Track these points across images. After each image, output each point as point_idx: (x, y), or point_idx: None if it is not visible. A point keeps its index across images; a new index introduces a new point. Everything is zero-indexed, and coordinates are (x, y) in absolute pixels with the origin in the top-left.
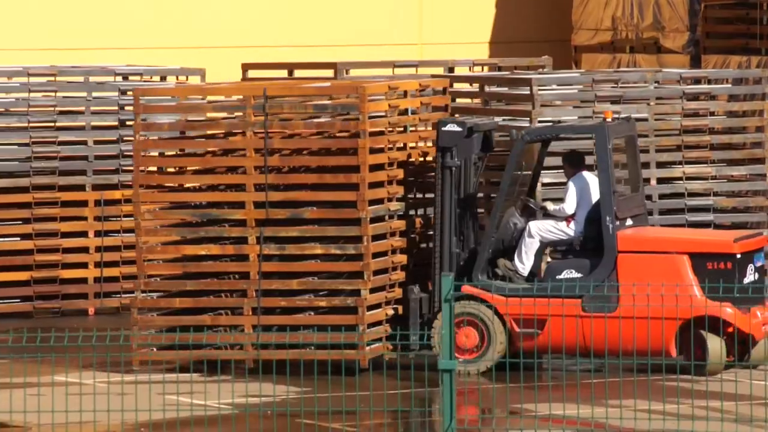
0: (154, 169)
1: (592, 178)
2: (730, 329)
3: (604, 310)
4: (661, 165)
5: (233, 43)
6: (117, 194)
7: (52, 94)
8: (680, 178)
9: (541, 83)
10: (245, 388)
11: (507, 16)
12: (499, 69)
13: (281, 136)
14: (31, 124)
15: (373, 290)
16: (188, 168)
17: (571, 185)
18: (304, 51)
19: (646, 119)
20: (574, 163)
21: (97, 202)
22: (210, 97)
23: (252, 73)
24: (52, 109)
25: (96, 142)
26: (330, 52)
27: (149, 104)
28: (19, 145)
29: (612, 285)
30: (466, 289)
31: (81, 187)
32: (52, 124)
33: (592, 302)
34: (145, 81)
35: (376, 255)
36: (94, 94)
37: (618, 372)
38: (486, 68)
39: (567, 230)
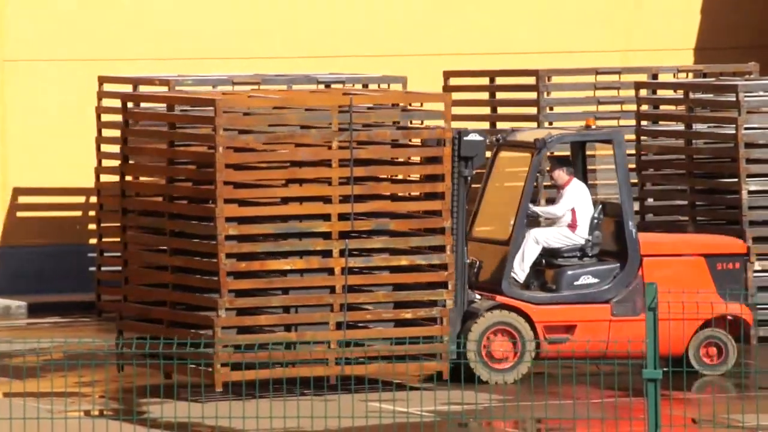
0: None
1: (583, 185)
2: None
3: (634, 314)
4: None
5: (436, 51)
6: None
7: None
8: None
9: (747, 90)
10: (447, 395)
11: (713, 23)
12: (704, 75)
13: (363, 147)
14: None
15: None
16: (272, 180)
17: (568, 191)
18: (506, 58)
19: None
20: (569, 170)
21: None
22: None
23: (453, 81)
24: None
25: None
26: (532, 59)
27: (233, 115)
28: None
29: (638, 288)
30: (500, 298)
31: None
32: None
33: (622, 306)
34: (346, 89)
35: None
36: None
37: None
38: (691, 75)
39: (573, 237)
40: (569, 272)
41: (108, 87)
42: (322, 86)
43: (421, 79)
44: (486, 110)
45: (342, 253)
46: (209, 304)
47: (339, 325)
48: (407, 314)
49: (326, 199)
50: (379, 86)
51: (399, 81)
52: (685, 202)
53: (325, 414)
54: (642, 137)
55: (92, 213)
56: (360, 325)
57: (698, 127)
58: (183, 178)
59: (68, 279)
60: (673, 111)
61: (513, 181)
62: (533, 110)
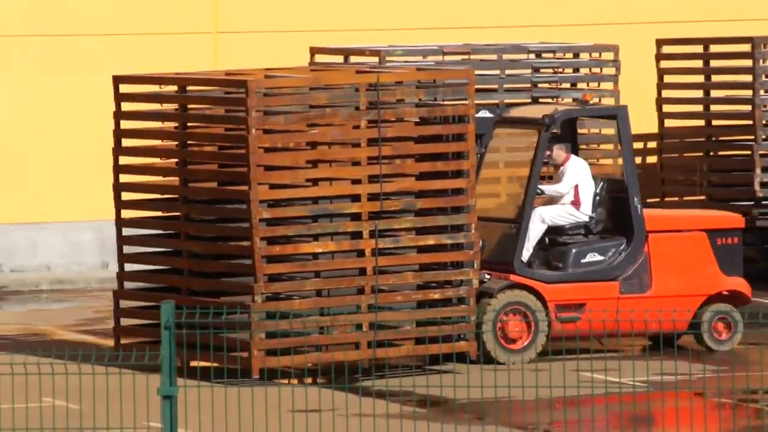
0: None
1: (583, 161)
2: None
3: (641, 290)
4: None
5: (647, 19)
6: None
7: None
8: None
9: None
10: (659, 365)
11: None
12: None
13: (389, 125)
14: None
15: None
16: (301, 162)
17: (569, 168)
18: (721, 25)
19: None
20: (567, 147)
21: None
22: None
23: (666, 49)
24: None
25: None
26: (747, 26)
27: (264, 96)
28: None
29: (645, 265)
30: (513, 277)
31: None
32: None
33: (628, 283)
34: (557, 58)
35: None
36: (507, 72)
37: None
38: None
39: (577, 214)
40: (580, 250)
41: (319, 58)
42: (532, 56)
43: (633, 48)
44: (700, 78)
45: (372, 234)
46: (241, 289)
47: (370, 307)
48: (435, 294)
49: (355, 180)
50: (590, 55)
51: (611, 50)
52: None
53: (536, 384)
54: None
55: None
56: (387, 307)
57: None
58: (198, 161)
59: None
60: None
61: (511, 159)
62: (748, 78)
